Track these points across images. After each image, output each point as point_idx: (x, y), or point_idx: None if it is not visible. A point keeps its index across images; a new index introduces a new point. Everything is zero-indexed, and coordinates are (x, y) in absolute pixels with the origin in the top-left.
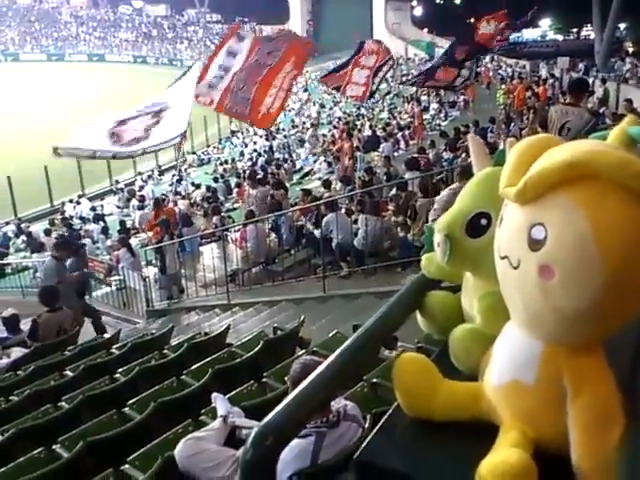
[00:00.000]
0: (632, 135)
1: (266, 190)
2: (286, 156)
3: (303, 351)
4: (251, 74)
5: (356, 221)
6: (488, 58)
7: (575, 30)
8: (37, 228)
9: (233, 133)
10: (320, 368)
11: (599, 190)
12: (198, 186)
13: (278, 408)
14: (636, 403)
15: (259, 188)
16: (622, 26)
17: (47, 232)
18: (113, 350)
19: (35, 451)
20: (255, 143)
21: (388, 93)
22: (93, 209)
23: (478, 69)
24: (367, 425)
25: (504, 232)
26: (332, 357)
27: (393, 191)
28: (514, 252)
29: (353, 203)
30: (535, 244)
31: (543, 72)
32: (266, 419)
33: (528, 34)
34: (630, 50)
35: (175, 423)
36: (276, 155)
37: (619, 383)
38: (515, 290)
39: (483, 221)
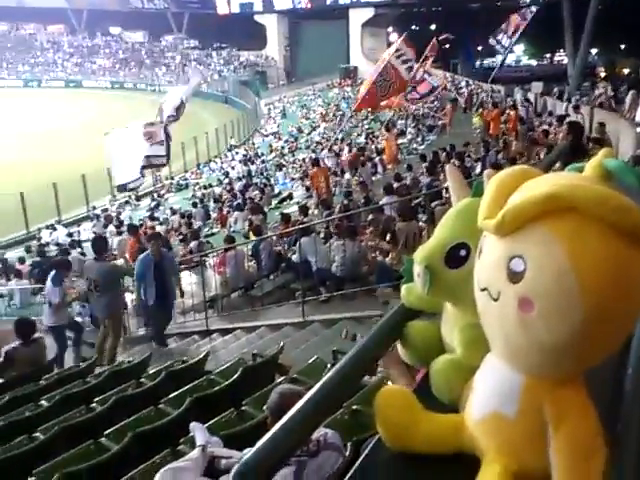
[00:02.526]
0: (609, 168)
1: None
2: (264, 181)
3: (282, 378)
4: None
5: (332, 246)
6: (464, 83)
7: (548, 55)
8: (13, 255)
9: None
10: (300, 403)
11: (578, 224)
12: (175, 212)
13: (258, 445)
14: (617, 433)
15: None
16: (594, 51)
17: (21, 260)
18: (89, 379)
19: None
20: (233, 168)
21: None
22: (70, 235)
23: (457, 94)
24: (348, 453)
25: (483, 264)
26: (312, 391)
27: (371, 215)
28: (494, 284)
29: (330, 228)
30: (514, 276)
31: (518, 97)
32: (245, 457)
33: None
34: (602, 75)
35: (153, 453)
36: (254, 180)
37: (600, 413)
38: (495, 322)
39: (462, 252)
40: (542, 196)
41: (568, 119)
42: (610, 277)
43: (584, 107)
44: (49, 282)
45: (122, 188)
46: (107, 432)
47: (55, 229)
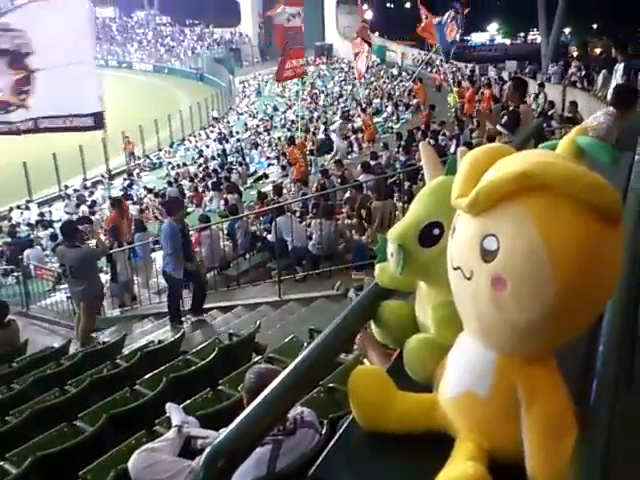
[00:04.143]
0: (581, 146)
1: None
2: (239, 159)
3: (259, 357)
4: None
5: (309, 225)
6: (438, 61)
7: (522, 34)
8: None
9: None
10: (274, 384)
11: (551, 202)
12: (151, 190)
13: (231, 427)
14: (588, 411)
15: None
16: (567, 30)
17: None
18: (63, 361)
19: None
20: (208, 147)
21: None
22: (41, 215)
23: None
24: (324, 431)
25: (456, 243)
26: (286, 371)
27: (347, 194)
28: (467, 263)
29: (307, 207)
30: (487, 255)
31: (492, 74)
32: (218, 439)
33: (477, 38)
34: (575, 54)
35: (128, 434)
36: (229, 159)
37: (571, 391)
38: (468, 301)
39: (436, 231)
40: (514, 174)
41: (514, 76)
42: (581, 255)
43: (556, 86)
44: None
45: None
46: (82, 414)
47: (28, 208)
